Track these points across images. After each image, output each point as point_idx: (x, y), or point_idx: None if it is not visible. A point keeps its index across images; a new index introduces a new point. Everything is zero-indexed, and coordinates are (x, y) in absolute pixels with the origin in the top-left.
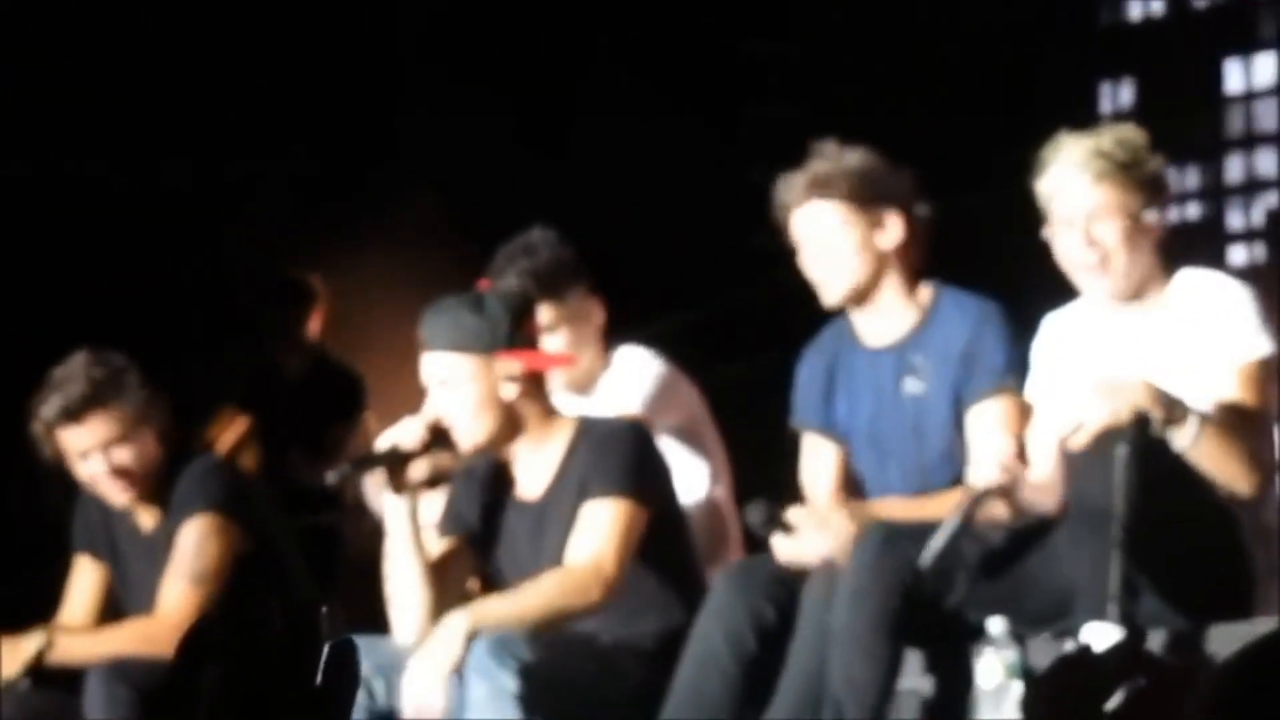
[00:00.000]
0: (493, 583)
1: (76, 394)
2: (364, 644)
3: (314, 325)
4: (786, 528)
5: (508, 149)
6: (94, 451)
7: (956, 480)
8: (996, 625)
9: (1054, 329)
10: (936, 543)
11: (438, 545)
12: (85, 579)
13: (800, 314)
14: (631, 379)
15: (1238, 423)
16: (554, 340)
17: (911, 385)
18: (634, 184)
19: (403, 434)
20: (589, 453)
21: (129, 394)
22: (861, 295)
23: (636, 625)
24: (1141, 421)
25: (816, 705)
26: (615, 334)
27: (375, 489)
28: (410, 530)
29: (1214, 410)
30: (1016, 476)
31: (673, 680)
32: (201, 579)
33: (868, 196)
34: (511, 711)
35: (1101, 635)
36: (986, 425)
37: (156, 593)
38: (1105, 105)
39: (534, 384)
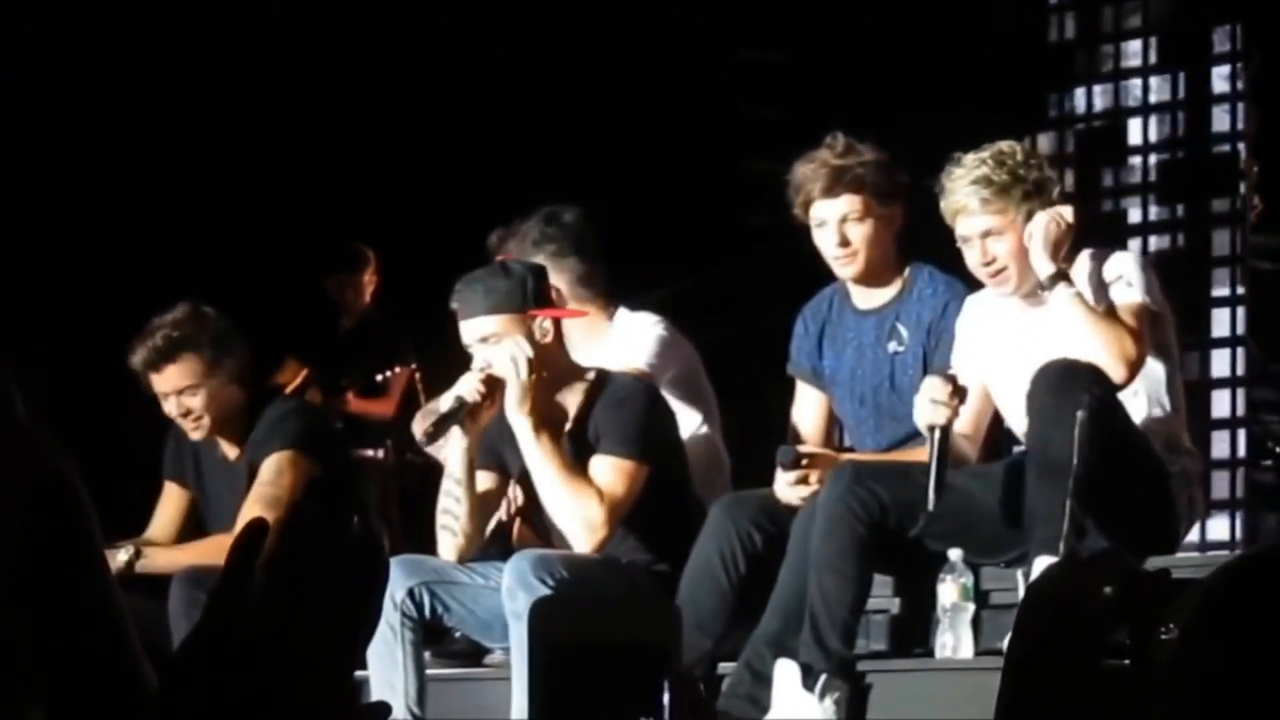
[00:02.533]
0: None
1: (157, 345)
2: (412, 561)
3: (366, 288)
4: (804, 466)
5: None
6: (170, 395)
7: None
8: (955, 554)
9: (973, 310)
10: (930, 485)
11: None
12: (171, 502)
13: (781, 282)
14: (637, 339)
15: (1109, 323)
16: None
17: (893, 345)
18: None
19: (464, 389)
20: (605, 408)
21: (204, 346)
22: (873, 276)
23: (649, 549)
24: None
25: (800, 619)
26: (625, 295)
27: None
28: (468, 466)
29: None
30: (953, 408)
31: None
32: (275, 504)
33: (884, 190)
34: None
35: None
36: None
37: (236, 511)
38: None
39: (559, 337)
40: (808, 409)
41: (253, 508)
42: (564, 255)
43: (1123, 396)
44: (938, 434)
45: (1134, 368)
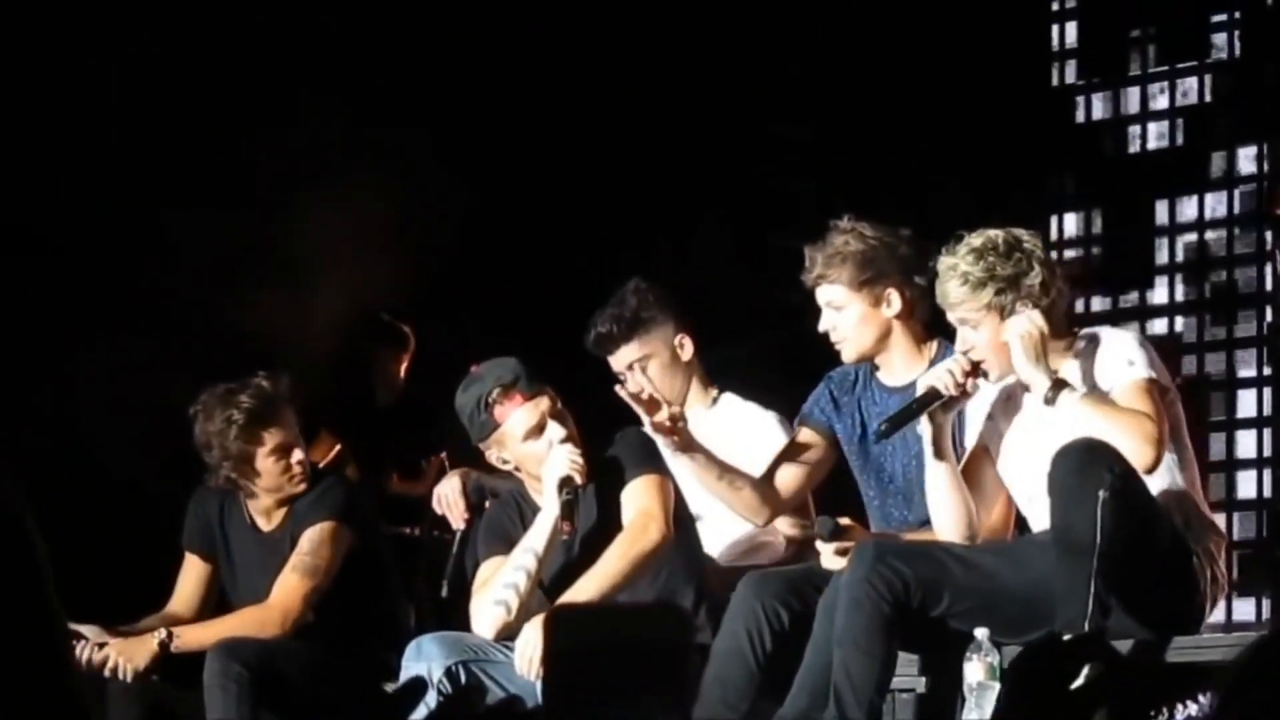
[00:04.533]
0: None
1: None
2: (451, 639)
3: (403, 365)
4: (847, 538)
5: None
6: (280, 455)
7: None
8: (980, 632)
9: (983, 391)
10: (895, 416)
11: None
12: (192, 574)
13: (815, 358)
14: (759, 444)
15: (1125, 413)
16: (641, 376)
17: (920, 425)
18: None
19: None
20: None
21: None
22: (869, 356)
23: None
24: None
25: (826, 697)
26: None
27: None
28: (551, 541)
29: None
30: (959, 389)
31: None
32: (314, 573)
33: (866, 278)
34: None
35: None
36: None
37: (265, 584)
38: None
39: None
40: (798, 452)
41: (291, 577)
42: (635, 329)
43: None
44: (928, 392)
45: (1159, 445)
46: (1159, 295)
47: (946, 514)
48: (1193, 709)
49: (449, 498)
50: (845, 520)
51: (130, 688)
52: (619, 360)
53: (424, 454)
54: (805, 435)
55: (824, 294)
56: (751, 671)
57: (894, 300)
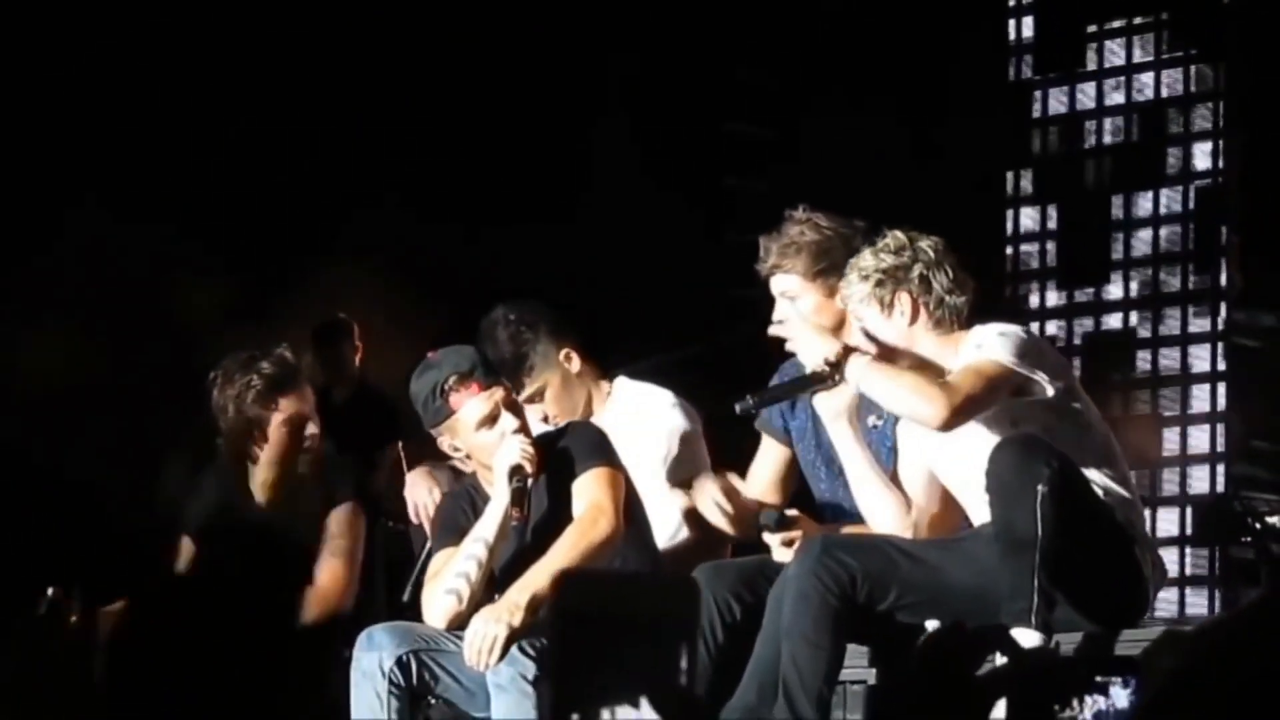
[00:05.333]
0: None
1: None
2: (402, 629)
3: (355, 356)
4: (793, 529)
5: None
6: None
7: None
8: (932, 624)
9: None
10: (764, 392)
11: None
12: (190, 559)
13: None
14: (650, 427)
15: (913, 375)
16: (542, 405)
17: (871, 419)
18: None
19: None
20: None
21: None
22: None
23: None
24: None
25: (775, 689)
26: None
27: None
28: (502, 530)
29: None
30: (831, 376)
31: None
32: (352, 557)
33: (821, 269)
34: (530, 687)
35: (1024, 638)
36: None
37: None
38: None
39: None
40: (768, 462)
41: (334, 563)
42: (517, 368)
43: None
44: (809, 372)
45: (945, 405)
46: (1114, 290)
47: (876, 504)
48: (1102, 702)
49: (427, 508)
50: (792, 511)
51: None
52: None
53: (379, 444)
54: (767, 445)
55: (778, 284)
56: (703, 663)
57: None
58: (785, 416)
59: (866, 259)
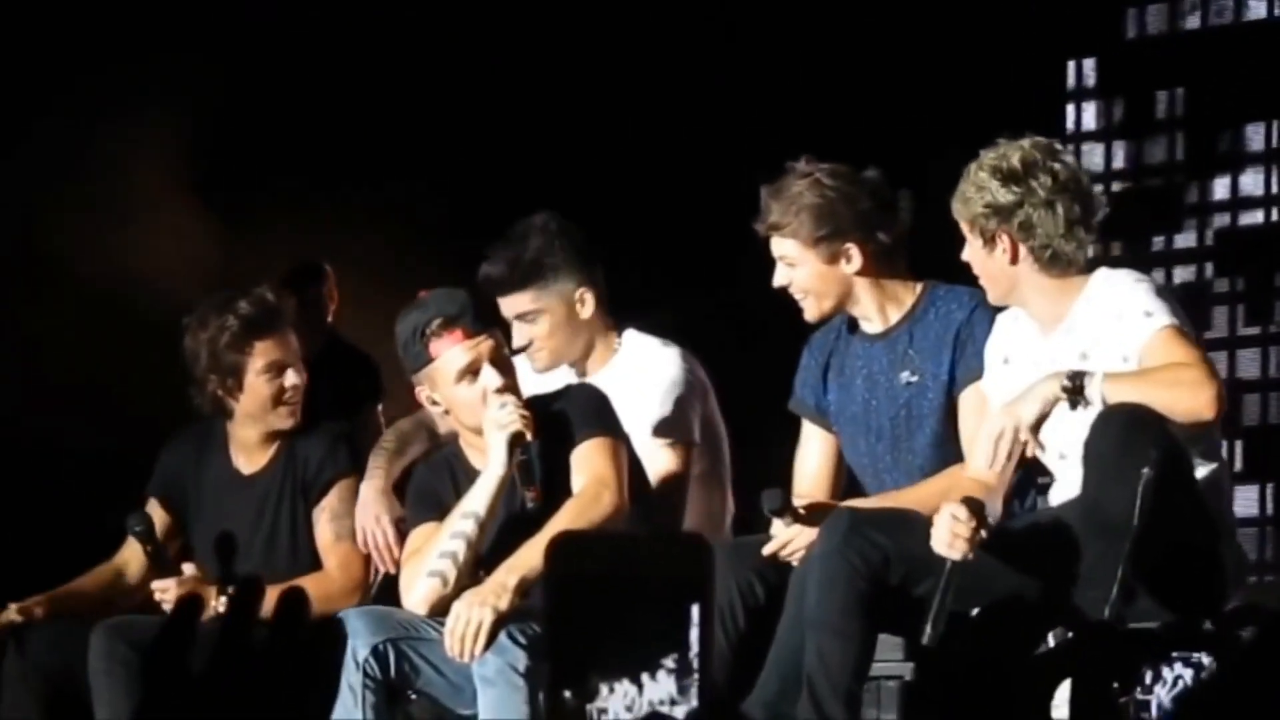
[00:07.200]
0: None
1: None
2: (378, 615)
3: (329, 309)
4: (796, 514)
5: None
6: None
7: (945, 464)
8: (975, 614)
9: (1001, 330)
10: (929, 618)
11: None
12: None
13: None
14: (655, 384)
15: (1155, 371)
16: (532, 328)
17: (905, 375)
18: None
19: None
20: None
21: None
22: (832, 314)
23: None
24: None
25: (799, 682)
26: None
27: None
28: (492, 506)
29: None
30: (973, 543)
31: None
32: (354, 536)
33: (822, 235)
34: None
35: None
36: (974, 411)
37: (242, 533)
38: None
39: None
40: (812, 452)
41: (342, 546)
42: (531, 278)
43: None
44: (949, 566)
45: (1209, 387)
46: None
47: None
48: (1187, 675)
49: (375, 537)
50: (803, 499)
51: (28, 671)
52: (507, 307)
53: (356, 405)
54: (808, 430)
55: (777, 247)
56: (721, 651)
57: (854, 256)
58: (818, 394)
59: (979, 176)
